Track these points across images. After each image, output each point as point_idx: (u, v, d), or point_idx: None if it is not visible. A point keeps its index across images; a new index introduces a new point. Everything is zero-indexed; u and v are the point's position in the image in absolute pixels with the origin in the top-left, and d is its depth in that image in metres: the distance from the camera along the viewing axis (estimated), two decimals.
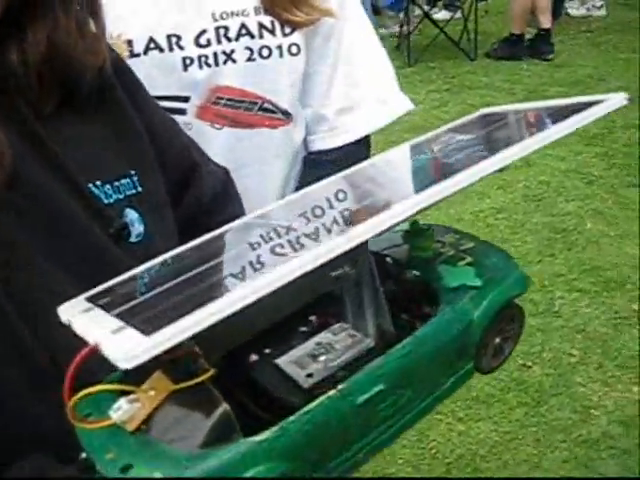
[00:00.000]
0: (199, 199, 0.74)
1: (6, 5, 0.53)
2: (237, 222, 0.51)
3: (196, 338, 0.35)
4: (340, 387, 0.40)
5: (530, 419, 2.01)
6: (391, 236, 0.53)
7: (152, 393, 0.39)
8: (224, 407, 0.38)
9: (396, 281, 0.51)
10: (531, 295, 2.50)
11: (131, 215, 0.62)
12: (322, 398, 0.39)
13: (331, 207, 0.47)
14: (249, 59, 0.91)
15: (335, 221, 0.44)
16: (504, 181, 3.26)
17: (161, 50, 0.88)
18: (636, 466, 1.82)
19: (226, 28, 0.89)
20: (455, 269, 0.49)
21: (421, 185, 0.44)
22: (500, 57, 4.84)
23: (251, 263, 0.42)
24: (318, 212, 0.46)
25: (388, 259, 0.52)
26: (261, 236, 0.46)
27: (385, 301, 0.46)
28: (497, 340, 0.50)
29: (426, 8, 5.25)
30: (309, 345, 0.50)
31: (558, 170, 3.36)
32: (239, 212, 0.77)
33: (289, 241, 0.44)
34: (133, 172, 0.63)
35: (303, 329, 0.52)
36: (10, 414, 0.49)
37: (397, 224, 0.41)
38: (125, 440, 0.38)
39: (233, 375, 0.48)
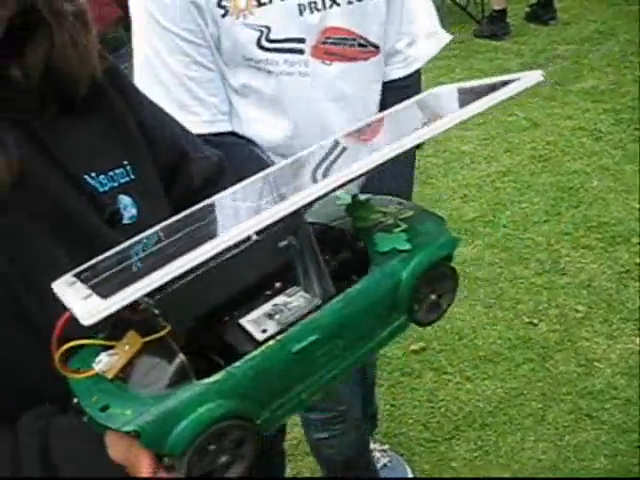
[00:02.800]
0: (188, 185, 0.82)
1: (7, 26, 0.61)
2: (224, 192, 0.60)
3: (174, 304, 0.44)
4: (279, 337, 0.48)
5: (536, 374, 2.08)
6: (336, 209, 0.61)
7: (127, 348, 0.48)
8: (181, 358, 0.47)
9: (341, 249, 0.59)
10: (537, 255, 2.55)
11: (124, 200, 0.70)
12: (263, 347, 0.48)
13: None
14: (349, 2, 1.09)
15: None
16: (510, 144, 3.28)
17: None
18: (638, 414, 1.89)
19: None
20: (389, 236, 0.56)
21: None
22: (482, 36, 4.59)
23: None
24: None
25: (334, 230, 0.60)
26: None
27: (324, 265, 0.54)
28: (432, 297, 0.58)
29: None
30: (267, 306, 0.58)
31: (566, 129, 3.37)
32: None
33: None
34: (126, 162, 0.71)
35: (267, 293, 0.60)
36: (16, 371, 0.59)
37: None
38: (105, 386, 0.47)
39: (209, 333, 0.57)
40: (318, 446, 1.54)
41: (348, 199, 0.60)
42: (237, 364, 0.47)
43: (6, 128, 0.61)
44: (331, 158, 0.60)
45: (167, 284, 0.47)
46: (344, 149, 0.63)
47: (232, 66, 1.08)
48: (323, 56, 1.10)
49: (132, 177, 0.71)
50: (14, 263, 0.60)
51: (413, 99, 0.67)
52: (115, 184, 0.69)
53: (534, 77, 0.57)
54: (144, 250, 0.51)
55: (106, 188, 0.68)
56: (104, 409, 0.46)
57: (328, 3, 1.08)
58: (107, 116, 0.72)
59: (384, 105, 1.20)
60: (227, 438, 0.46)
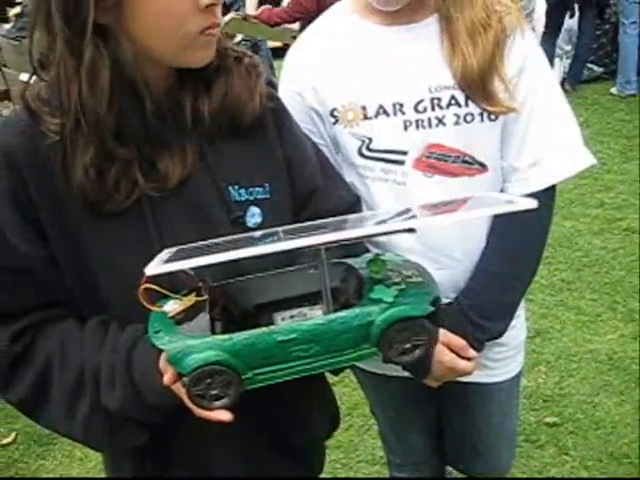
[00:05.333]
0: (316, 215, 0.94)
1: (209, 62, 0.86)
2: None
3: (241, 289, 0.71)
4: (270, 328, 0.73)
5: None
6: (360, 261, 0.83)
7: (186, 300, 0.77)
8: (207, 318, 0.74)
9: (354, 289, 0.81)
10: None
11: (254, 210, 0.94)
12: (258, 330, 0.73)
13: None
14: (456, 123, 1.11)
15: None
16: None
17: (387, 114, 1.12)
18: None
19: (439, 99, 1.11)
20: (385, 289, 0.77)
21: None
22: None
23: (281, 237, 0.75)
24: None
25: (355, 271, 0.82)
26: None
27: (330, 294, 0.76)
28: (407, 345, 0.76)
29: None
30: (295, 311, 0.83)
31: None
32: None
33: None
34: (267, 185, 0.95)
35: (304, 304, 0.85)
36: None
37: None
38: (164, 320, 0.76)
39: (251, 314, 0.83)
40: None
41: (371, 255, 0.82)
42: (238, 333, 0.72)
43: (191, 148, 0.88)
44: (393, 217, 0.81)
45: (241, 275, 0.75)
46: (412, 215, 0.83)
47: (344, 165, 1.19)
48: (425, 169, 1.14)
49: (268, 196, 0.95)
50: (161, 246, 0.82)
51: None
52: (251, 197, 0.93)
53: (527, 203, 0.71)
54: (230, 243, 0.78)
55: (242, 199, 0.92)
56: (157, 332, 0.75)
57: (434, 122, 1.11)
58: (261, 146, 0.96)
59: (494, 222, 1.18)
60: (219, 377, 0.72)
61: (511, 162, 1.17)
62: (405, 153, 1.13)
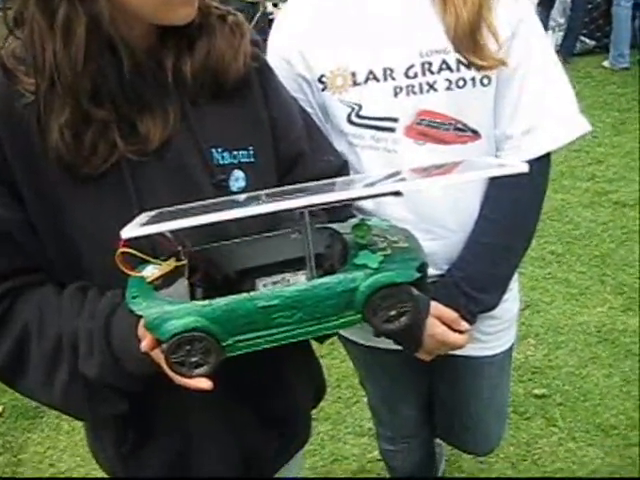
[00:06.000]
0: (301, 179, 0.91)
1: (191, 20, 0.82)
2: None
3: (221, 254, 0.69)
4: (251, 294, 0.70)
5: None
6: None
7: (165, 265, 0.74)
8: (186, 283, 0.71)
9: (339, 255, 0.79)
10: None
11: (237, 174, 0.91)
12: (238, 295, 0.70)
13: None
14: (447, 88, 1.08)
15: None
16: None
17: (377, 80, 1.09)
18: None
19: (430, 63, 1.07)
20: (371, 255, 0.74)
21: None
22: None
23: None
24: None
25: (340, 236, 0.80)
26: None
27: (314, 260, 0.74)
28: (392, 312, 0.74)
29: None
30: (278, 277, 0.81)
31: None
32: None
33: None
34: (251, 148, 0.92)
35: (288, 269, 0.83)
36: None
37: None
38: (142, 285, 0.74)
39: (233, 280, 0.81)
40: (386, 456, 1.70)
41: (357, 220, 0.79)
42: (218, 299, 0.70)
43: (172, 109, 0.85)
44: (382, 180, 0.78)
45: (224, 240, 0.72)
46: (401, 178, 0.80)
47: (333, 133, 1.16)
48: (416, 136, 1.10)
49: (252, 159, 0.92)
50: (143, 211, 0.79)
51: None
52: (235, 161, 0.90)
53: (519, 168, 0.69)
54: (208, 206, 0.75)
55: (226, 162, 0.90)
56: (134, 297, 0.72)
57: (425, 88, 1.08)
58: (246, 108, 0.93)
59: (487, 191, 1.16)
60: (198, 344, 0.70)
61: (504, 129, 1.14)
62: (396, 120, 1.10)
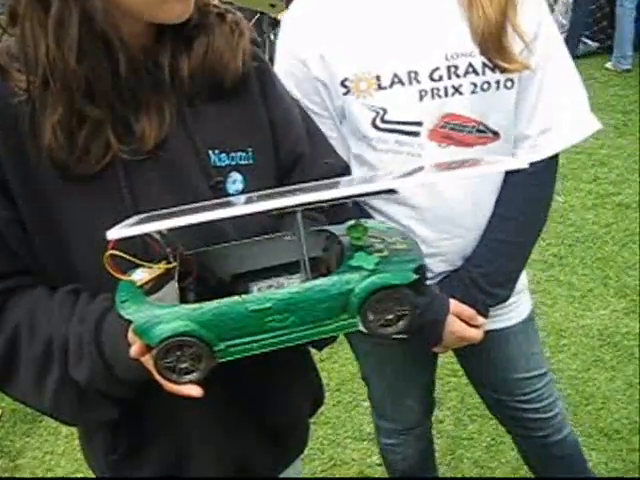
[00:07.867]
0: (301, 182, 0.88)
1: (189, 19, 0.80)
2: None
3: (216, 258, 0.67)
4: (243, 297, 0.68)
5: None
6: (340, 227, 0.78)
7: (155, 268, 0.72)
8: (176, 287, 0.69)
9: (336, 258, 0.77)
10: None
11: (235, 176, 0.89)
12: (229, 298, 0.68)
13: None
14: (472, 92, 1.08)
15: None
16: None
17: (402, 84, 1.08)
18: None
19: (456, 67, 1.07)
20: (366, 256, 0.72)
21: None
22: None
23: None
24: None
25: (337, 239, 0.78)
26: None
27: (308, 262, 0.72)
28: (390, 315, 0.72)
29: None
30: (272, 281, 0.79)
31: None
32: None
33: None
34: (250, 149, 0.90)
35: (283, 273, 0.81)
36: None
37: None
38: (131, 289, 0.72)
39: (227, 283, 0.79)
40: (385, 450, 1.67)
41: (352, 222, 0.77)
42: (209, 303, 0.68)
43: (169, 108, 0.82)
44: (403, 174, 0.75)
45: (218, 243, 0.70)
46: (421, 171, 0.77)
47: (351, 136, 1.15)
48: (440, 139, 1.10)
49: (250, 161, 0.90)
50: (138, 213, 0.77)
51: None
52: (232, 162, 0.88)
53: (517, 163, 0.68)
54: (199, 207, 0.73)
55: (223, 163, 0.87)
56: (123, 302, 0.70)
57: (451, 91, 1.08)
58: (244, 108, 0.90)
59: (503, 187, 1.19)
60: (188, 350, 0.68)
61: (522, 129, 1.16)
62: (420, 124, 1.10)
